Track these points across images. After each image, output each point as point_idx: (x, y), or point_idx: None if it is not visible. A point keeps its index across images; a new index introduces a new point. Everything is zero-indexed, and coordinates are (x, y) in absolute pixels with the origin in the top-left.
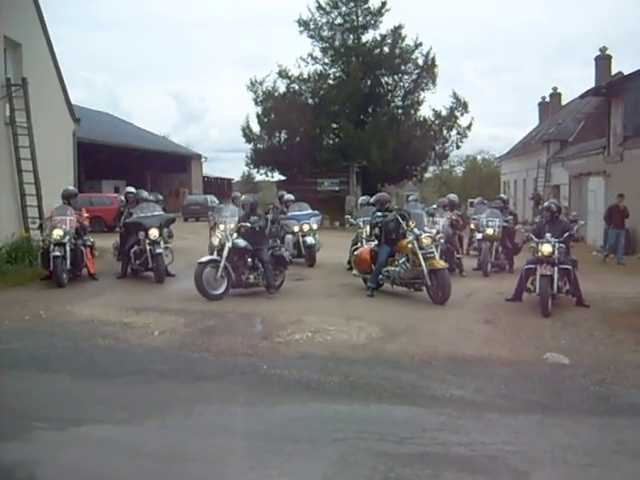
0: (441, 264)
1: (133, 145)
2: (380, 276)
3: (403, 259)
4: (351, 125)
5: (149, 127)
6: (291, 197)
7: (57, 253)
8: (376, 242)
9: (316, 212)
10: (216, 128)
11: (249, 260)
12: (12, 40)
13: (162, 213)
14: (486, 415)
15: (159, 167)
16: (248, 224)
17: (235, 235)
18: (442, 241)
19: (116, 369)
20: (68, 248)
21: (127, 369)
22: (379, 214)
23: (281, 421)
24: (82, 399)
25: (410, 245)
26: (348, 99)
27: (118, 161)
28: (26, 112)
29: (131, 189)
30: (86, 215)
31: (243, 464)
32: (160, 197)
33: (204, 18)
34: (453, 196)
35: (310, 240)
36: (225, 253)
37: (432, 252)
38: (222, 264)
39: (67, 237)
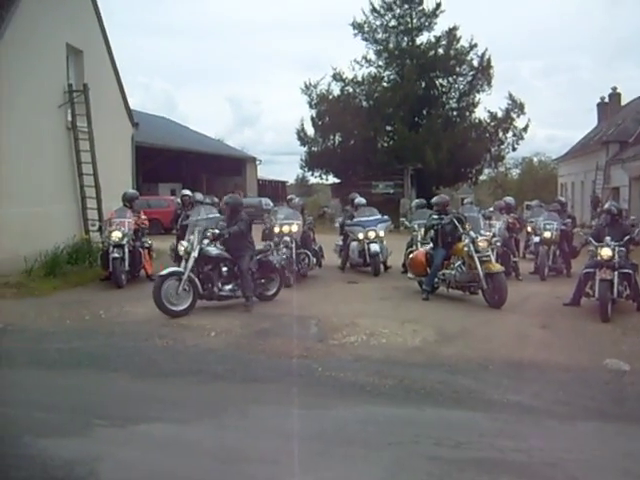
0: (497, 267)
1: (189, 148)
2: (435, 279)
3: (459, 262)
4: (405, 127)
5: (205, 130)
6: (362, 201)
7: (116, 255)
8: (431, 245)
9: (385, 217)
10: (271, 131)
11: (224, 269)
12: (74, 47)
13: (218, 215)
14: (544, 421)
15: (214, 170)
16: (216, 230)
17: (206, 242)
18: (498, 244)
19: (173, 369)
20: (126, 250)
21: (184, 369)
22: (435, 217)
23: (336, 423)
24: (140, 398)
25: (466, 248)
26: (402, 101)
27: (174, 164)
28: (87, 117)
29: (187, 192)
30: (144, 217)
31: (298, 466)
32: (215, 199)
33: (260, 22)
34: (509, 199)
35: (375, 248)
36: (189, 264)
37: (488, 255)
38: (185, 276)
39: (125, 239)
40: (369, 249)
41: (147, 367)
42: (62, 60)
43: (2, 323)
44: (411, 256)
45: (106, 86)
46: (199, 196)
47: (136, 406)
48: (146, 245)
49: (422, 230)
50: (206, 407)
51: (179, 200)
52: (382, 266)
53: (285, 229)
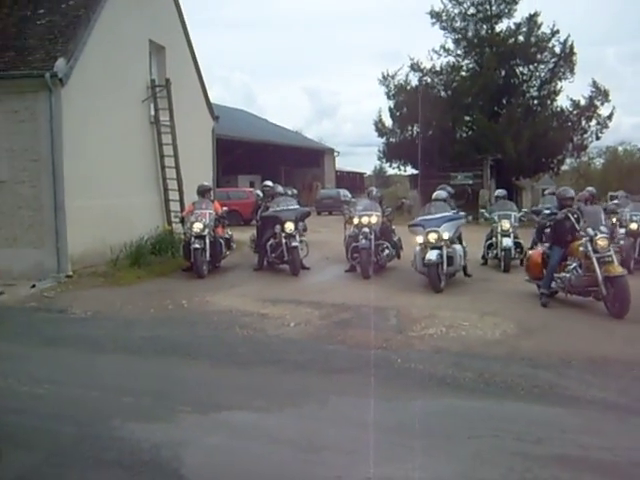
0: (619, 270)
1: (268, 140)
2: (553, 282)
3: (575, 264)
4: (485, 117)
5: (283, 122)
6: (441, 194)
7: (197, 245)
8: (547, 244)
9: (455, 214)
10: (349, 122)
11: None
12: (156, 43)
13: (297, 207)
14: (630, 419)
15: (293, 162)
16: None
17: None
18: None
19: (254, 358)
20: (208, 241)
21: (264, 358)
22: (547, 212)
23: (415, 415)
24: (222, 386)
25: (582, 248)
26: (482, 91)
27: (253, 156)
28: (169, 111)
29: (268, 183)
30: (225, 208)
31: (378, 456)
32: (294, 191)
33: (338, 13)
34: (592, 189)
35: (432, 256)
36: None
37: (610, 255)
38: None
39: (207, 230)
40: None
41: (228, 356)
42: (145, 56)
43: (91, 311)
44: (527, 256)
45: (187, 80)
46: (279, 188)
47: (218, 394)
48: (226, 236)
49: (503, 222)
50: (286, 396)
51: (258, 192)
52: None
53: (364, 220)
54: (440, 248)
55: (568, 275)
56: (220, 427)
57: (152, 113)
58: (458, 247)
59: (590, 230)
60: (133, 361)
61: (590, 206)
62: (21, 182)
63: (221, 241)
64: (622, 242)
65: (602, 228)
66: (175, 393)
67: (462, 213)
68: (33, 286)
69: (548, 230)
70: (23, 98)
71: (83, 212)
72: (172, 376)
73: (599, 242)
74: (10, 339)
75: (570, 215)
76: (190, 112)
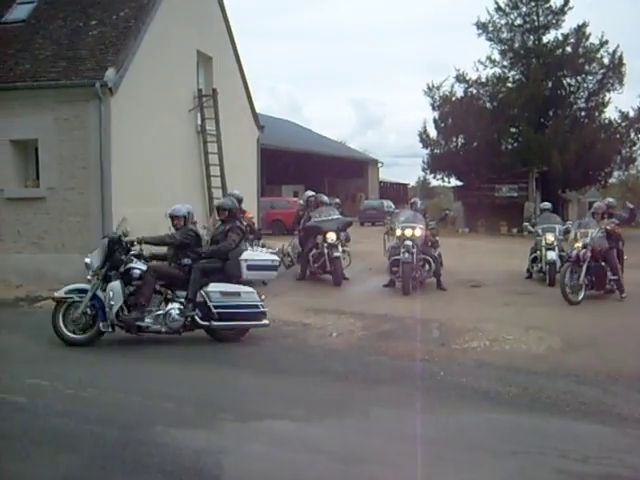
0: None
1: (312, 151)
2: None
3: None
4: (531, 129)
5: (328, 133)
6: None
7: None
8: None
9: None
10: (394, 133)
11: None
12: (204, 54)
13: (340, 217)
14: None
15: (337, 172)
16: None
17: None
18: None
19: (295, 368)
20: None
21: (306, 368)
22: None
23: (458, 429)
24: (263, 394)
25: None
26: (528, 102)
27: (297, 166)
28: (215, 121)
29: (311, 193)
30: (250, 216)
31: (420, 470)
32: (337, 200)
33: (383, 24)
34: (611, 200)
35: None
36: None
37: None
38: None
39: None
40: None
41: (270, 365)
42: (193, 66)
43: None
44: None
45: (234, 90)
46: (324, 197)
47: (259, 402)
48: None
49: (547, 235)
50: (328, 407)
51: (301, 201)
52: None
53: (408, 232)
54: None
55: None
56: (261, 436)
57: (198, 122)
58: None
59: None
60: (175, 368)
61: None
62: (70, 189)
63: None
64: None
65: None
66: (216, 400)
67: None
68: None
69: None
70: (74, 107)
71: (129, 219)
72: (214, 384)
73: None
74: (56, 343)
75: None
76: (236, 122)
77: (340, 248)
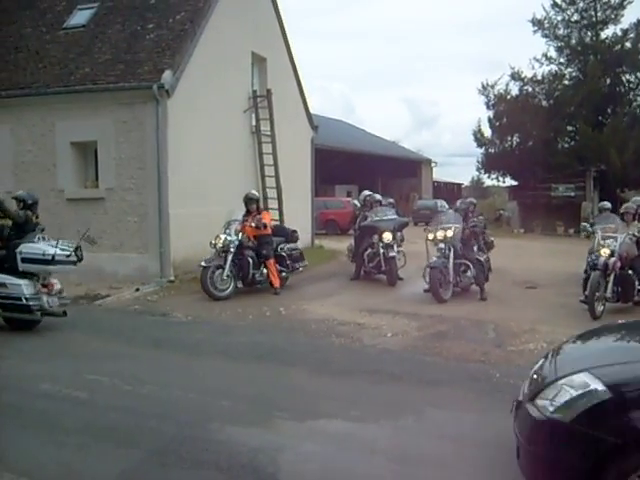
0: None
1: (365, 151)
2: None
3: None
4: (588, 127)
5: (381, 133)
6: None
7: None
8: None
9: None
10: (447, 133)
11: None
12: (258, 55)
13: (396, 217)
14: None
15: (390, 172)
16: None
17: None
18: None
19: (350, 367)
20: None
21: (360, 368)
22: None
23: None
24: (318, 393)
25: None
26: (585, 100)
27: (351, 166)
28: (270, 121)
29: (368, 192)
30: (264, 221)
31: (476, 472)
32: (391, 200)
33: (436, 23)
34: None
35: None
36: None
37: None
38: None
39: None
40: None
41: (324, 364)
42: (247, 67)
43: (192, 316)
44: None
45: (288, 90)
46: (378, 197)
47: (314, 401)
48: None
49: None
50: (382, 407)
51: (355, 201)
52: None
53: (439, 234)
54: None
55: None
56: (316, 435)
57: (253, 123)
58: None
59: None
60: (231, 365)
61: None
62: (128, 189)
63: (249, 259)
64: None
65: None
66: (272, 399)
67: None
68: (137, 290)
69: None
70: (132, 109)
71: (185, 219)
72: (269, 382)
73: None
74: (115, 340)
75: None
76: (290, 122)
77: (396, 248)
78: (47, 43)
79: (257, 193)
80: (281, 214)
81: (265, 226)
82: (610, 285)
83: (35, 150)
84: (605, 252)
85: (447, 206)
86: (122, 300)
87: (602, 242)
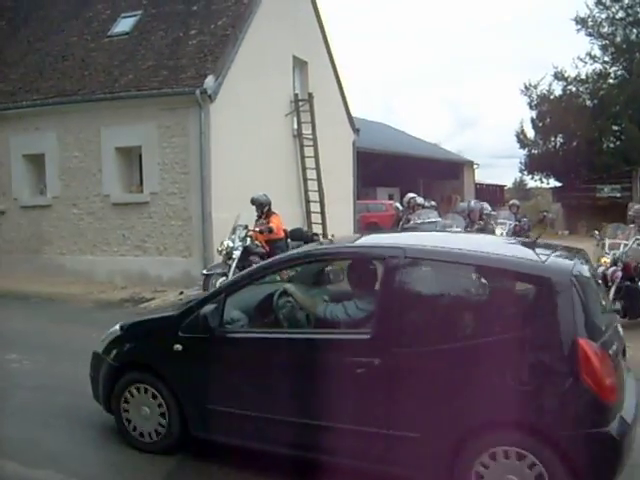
0: None
1: (406, 153)
2: None
3: None
4: (634, 126)
5: (422, 135)
6: None
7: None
8: None
9: None
10: (490, 134)
11: None
12: (299, 59)
13: (438, 219)
14: None
15: (431, 174)
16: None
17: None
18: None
19: None
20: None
21: None
22: None
23: None
24: None
25: None
26: (631, 99)
27: (392, 169)
28: (312, 125)
29: (412, 195)
30: (271, 225)
31: None
32: (433, 203)
33: (476, 22)
34: None
35: None
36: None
37: None
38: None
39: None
40: None
41: None
42: (289, 71)
43: None
44: None
45: (329, 94)
46: (419, 199)
47: None
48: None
49: None
50: None
51: (397, 204)
52: None
53: None
54: None
55: None
56: None
57: (295, 127)
58: None
59: None
60: None
61: None
62: (172, 194)
63: (254, 265)
64: None
65: None
66: None
67: None
68: (181, 293)
69: None
70: (175, 114)
71: (229, 223)
72: None
73: None
74: None
75: None
76: (332, 125)
77: None
78: (92, 51)
79: (264, 195)
80: (323, 217)
81: (270, 230)
82: (610, 298)
83: (81, 156)
84: (605, 261)
85: (489, 208)
86: (166, 304)
87: (607, 250)
